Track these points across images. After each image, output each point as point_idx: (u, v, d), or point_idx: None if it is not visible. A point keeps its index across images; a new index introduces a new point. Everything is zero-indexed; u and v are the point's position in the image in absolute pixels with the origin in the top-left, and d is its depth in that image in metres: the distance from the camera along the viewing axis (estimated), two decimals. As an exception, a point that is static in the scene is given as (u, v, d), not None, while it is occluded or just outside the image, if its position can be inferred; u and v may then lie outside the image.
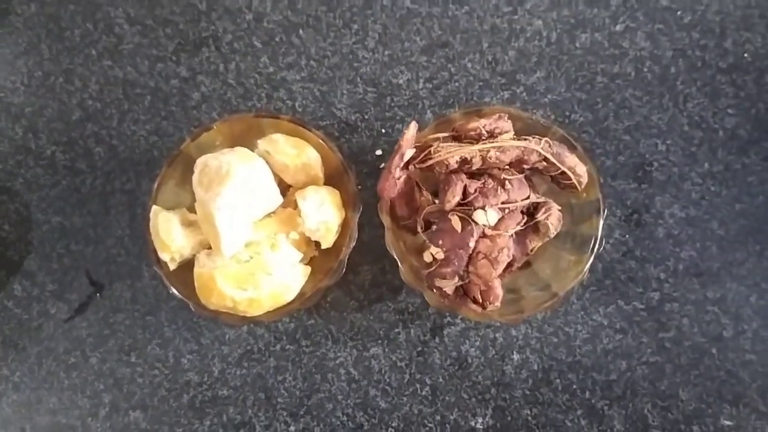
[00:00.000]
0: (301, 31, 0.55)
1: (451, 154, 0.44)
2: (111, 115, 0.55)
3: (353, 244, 0.47)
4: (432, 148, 0.45)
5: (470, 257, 0.45)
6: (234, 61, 0.56)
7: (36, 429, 0.50)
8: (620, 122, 0.53)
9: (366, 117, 0.54)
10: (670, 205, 0.52)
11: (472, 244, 0.45)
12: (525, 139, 0.45)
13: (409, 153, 0.44)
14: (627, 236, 0.52)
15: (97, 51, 0.56)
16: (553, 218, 0.47)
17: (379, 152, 0.54)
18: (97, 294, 0.52)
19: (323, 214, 0.46)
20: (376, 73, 0.55)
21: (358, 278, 0.52)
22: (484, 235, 0.45)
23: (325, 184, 0.49)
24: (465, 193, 0.45)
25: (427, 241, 0.45)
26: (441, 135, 0.46)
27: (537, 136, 0.46)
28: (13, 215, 0.53)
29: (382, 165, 0.53)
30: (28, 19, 0.57)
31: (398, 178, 0.45)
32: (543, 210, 0.47)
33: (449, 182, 0.45)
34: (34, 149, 0.54)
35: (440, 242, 0.44)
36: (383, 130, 0.54)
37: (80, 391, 0.51)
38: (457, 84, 0.55)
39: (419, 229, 0.47)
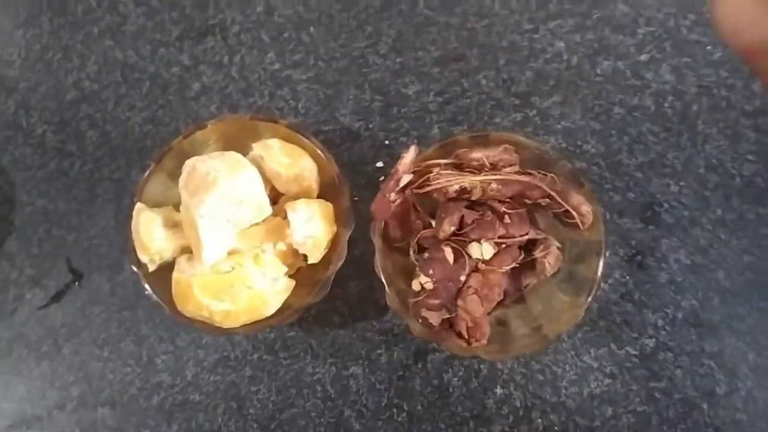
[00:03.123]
0: (312, 29, 0.53)
1: (450, 182, 0.42)
2: (107, 98, 0.53)
3: (341, 261, 0.45)
4: (431, 175, 0.43)
5: (460, 291, 0.43)
6: (239, 54, 0.54)
7: (2, 415, 0.49)
8: (633, 157, 0.51)
9: (370, 126, 0.52)
10: (676, 250, 0.50)
11: (463, 278, 0.43)
12: (530, 174, 0.43)
13: (406, 178, 0.42)
14: (627, 277, 0.50)
15: (99, 29, 0.54)
16: (551, 257, 0.45)
17: (380, 164, 0.52)
18: (76, 283, 0.50)
19: (313, 228, 0.44)
20: (385, 80, 0.53)
21: (344, 293, 0.50)
22: (477, 270, 0.43)
23: (319, 195, 0.47)
24: (462, 223, 0.43)
25: (418, 269, 0.43)
26: (442, 162, 0.44)
27: (542, 172, 0.43)
28: (-3, 193, 0.52)
29: (382, 178, 0.51)
30: (31, -11, 0.55)
31: (393, 201, 0.43)
32: (541, 247, 0.45)
33: (446, 210, 0.43)
34: (24, 126, 0.53)
35: (431, 272, 0.43)
36: (387, 142, 0.52)
37: (50, 381, 0.49)
38: (468, 100, 0.52)
39: (411, 253, 0.45)
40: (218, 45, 0.54)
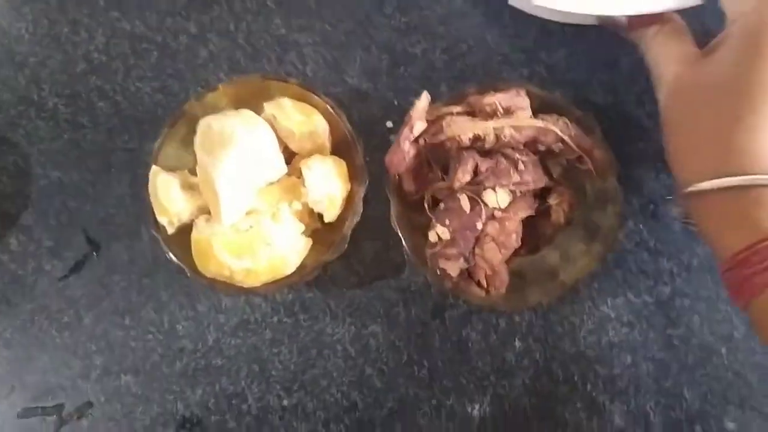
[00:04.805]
0: (319, -5, 0.53)
1: (463, 130, 0.42)
2: (116, 69, 0.53)
3: (357, 218, 0.45)
4: (444, 123, 0.43)
5: (477, 239, 0.43)
6: (245, 21, 0.54)
7: (25, 387, 0.49)
8: (642, 107, 0.51)
9: (378, 87, 0.52)
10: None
11: (480, 226, 0.43)
12: (542, 119, 0.43)
13: (419, 126, 0.42)
14: (641, 227, 0.50)
15: (105, 1, 0.54)
16: (565, 204, 0.45)
17: (389, 124, 0.52)
18: (94, 253, 0.51)
19: (328, 185, 0.45)
20: (391, 40, 0.53)
21: (360, 253, 0.50)
22: (493, 218, 0.44)
23: (332, 154, 0.47)
24: (476, 171, 0.43)
25: (434, 220, 0.44)
26: (454, 109, 0.44)
27: (555, 116, 0.44)
28: (12, 167, 0.52)
29: (392, 137, 0.51)
30: (36, -35, 0.55)
31: (407, 152, 0.43)
32: (556, 195, 0.46)
33: (460, 159, 0.43)
34: (36, 100, 0.53)
35: (447, 222, 0.43)
36: (395, 102, 0.52)
37: (72, 351, 0.50)
38: (474, 57, 0.52)
39: (426, 207, 0.45)
40: (224, 12, 0.54)
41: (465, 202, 0.43)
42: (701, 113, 0.38)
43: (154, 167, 0.45)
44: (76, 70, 0.53)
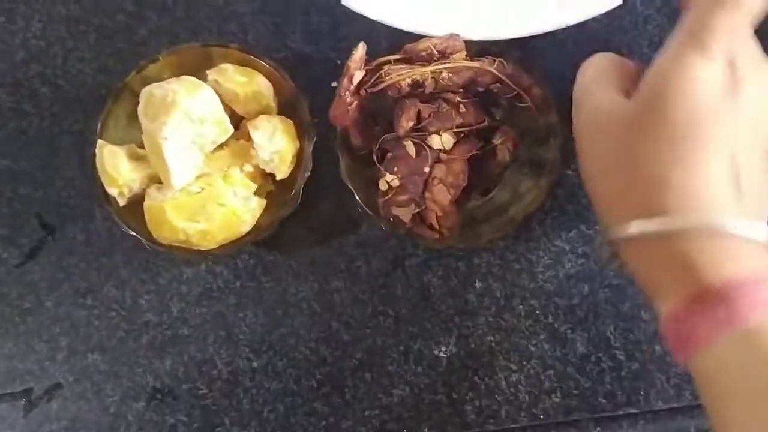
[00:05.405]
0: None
1: (402, 76, 0.43)
2: (55, 53, 0.53)
3: (308, 174, 0.46)
4: (383, 71, 0.44)
5: (426, 183, 0.44)
6: (182, -5, 0.54)
7: (-7, 375, 0.49)
8: (580, 47, 0.52)
9: (320, 48, 0.53)
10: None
11: (427, 170, 0.44)
12: (478, 60, 0.44)
13: (358, 75, 0.43)
14: (588, 161, 0.51)
15: (39, -12, 0.54)
16: (510, 143, 0.47)
17: (333, 84, 0.52)
18: (49, 237, 0.50)
19: (276, 144, 0.45)
20: (330, 2, 0.53)
21: (316, 212, 0.51)
22: (439, 161, 0.45)
23: (278, 113, 0.48)
24: (419, 117, 0.45)
25: (383, 169, 0.45)
26: (392, 57, 0.45)
27: (490, 57, 0.45)
28: (-42, 160, 0.52)
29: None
30: (-36, -44, 0.55)
31: (350, 104, 0.44)
32: (500, 134, 0.47)
33: (402, 107, 0.44)
34: (-23, 92, 0.52)
35: (395, 169, 0.44)
36: (338, 61, 0.52)
37: (36, 335, 0.49)
38: (413, 12, 0.53)
39: (375, 159, 0.46)
40: (160, -12, 0.54)
41: (411, 148, 0.44)
42: (629, 149, 0.35)
43: (99, 141, 0.45)
44: (16, 58, 0.53)
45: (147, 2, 0.54)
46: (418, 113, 0.44)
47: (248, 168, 0.46)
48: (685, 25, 0.35)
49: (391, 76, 0.43)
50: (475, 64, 0.43)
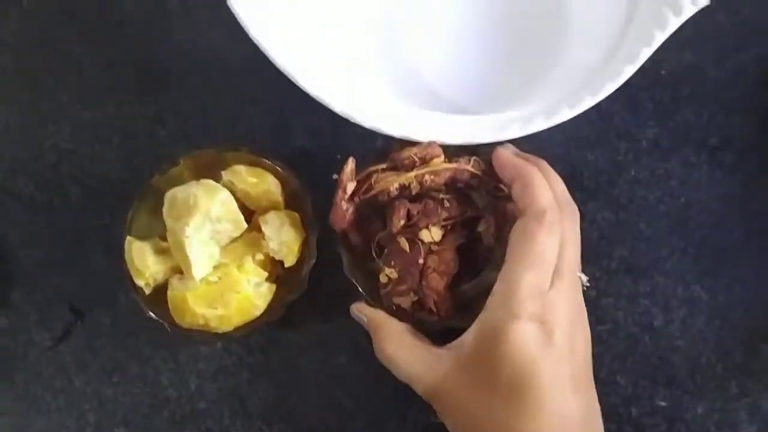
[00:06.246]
0: (258, 68, 0.60)
1: (390, 182, 0.49)
2: (83, 155, 0.59)
3: (313, 261, 0.52)
4: (373, 180, 0.50)
5: (421, 273, 0.49)
6: (196, 99, 0.60)
7: (26, 451, 0.53)
8: (553, 135, 0.58)
9: (321, 144, 0.59)
10: (601, 209, 0.58)
11: (421, 261, 0.49)
12: (455, 161, 0.50)
13: (350, 186, 0.49)
14: (564, 240, 0.57)
15: (68, 96, 0.61)
16: (492, 228, 0.51)
17: (334, 176, 0.58)
18: (79, 321, 0.56)
19: (284, 235, 0.51)
20: (328, 103, 0.60)
21: (321, 293, 0.56)
22: (431, 252, 0.49)
23: (285, 207, 0.54)
24: (409, 216, 0.50)
25: (381, 264, 0.50)
26: (379, 167, 0.50)
27: (466, 157, 0.50)
28: (-4, 252, 0.57)
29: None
30: (3, 70, 0.62)
31: (346, 210, 0.50)
32: (483, 222, 0.52)
33: (393, 208, 0.49)
34: (14, 191, 0.59)
35: (392, 263, 0.49)
36: (338, 156, 0.59)
37: (66, 412, 0.54)
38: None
39: (374, 255, 0.51)
40: (176, 94, 0.60)
41: (404, 244, 0.49)
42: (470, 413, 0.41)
43: (128, 237, 0.50)
44: (48, 160, 0.59)
45: (165, 107, 0.60)
46: (408, 212, 0.49)
47: (260, 256, 0.52)
48: (497, 292, 0.42)
49: (380, 183, 0.49)
50: (453, 165, 0.49)
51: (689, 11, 0.49)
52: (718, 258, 0.57)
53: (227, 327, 0.49)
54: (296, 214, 0.53)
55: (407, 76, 0.60)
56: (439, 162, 0.49)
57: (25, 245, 0.57)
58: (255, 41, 0.49)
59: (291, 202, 0.54)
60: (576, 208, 0.47)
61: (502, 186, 0.50)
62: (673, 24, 0.49)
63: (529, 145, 0.56)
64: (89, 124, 0.60)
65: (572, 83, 0.53)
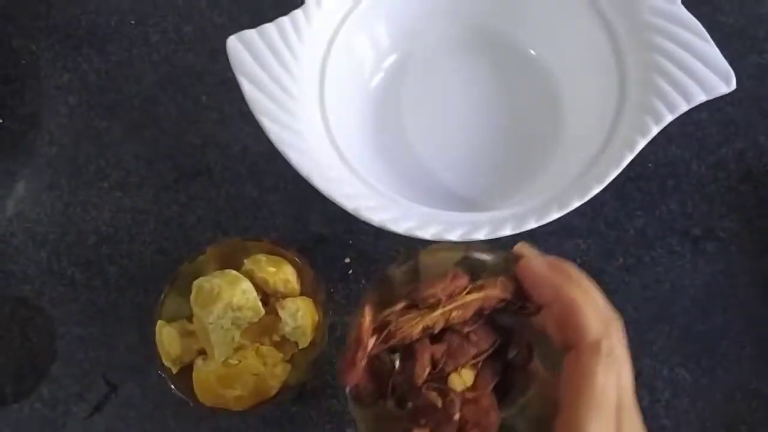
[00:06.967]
0: (279, 161, 0.66)
1: (413, 327, 0.40)
2: (121, 238, 0.66)
3: (324, 344, 0.57)
4: (392, 327, 0.41)
5: (459, 429, 0.40)
6: (224, 188, 0.67)
7: None
8: (544, 227, 0.63)
9: (335, 231, 0.65)
10: (592, 295, 0.62)
11: (457, 417, 0.40)
12: (483, 287, 0.41)
13: (371, 342, 0.40)
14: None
15: (109, 184, 0.68)
16: (524, 351, 0.44)
17: (347, 260, 0.64)
18: (113, 393, 0.61)
19: (299, 320, 0.56)
20: (342, 193, 0.66)
21: (332, 370, 0.61)
22: (466, 400, 0.41)
23: (301, 293, 0.59)
24: (433, 360, 0.41)
25: (409, 422, 0.40)
26: (397, 308, 0.41)
27: (492, 279, 0.42)
28: (40, 328, 0.63)
29: (350, 271, 0.63)
30: (51, 160, 0.69)
31: (360, 365, 0.40)
32: (513, 347, 0.44)
33: (415, 354, 0.41)
34: (56, 271, 0.65)
35: (422, 422, 0.40)
36: (350, 241, 0.64)
37: (100, 477, 0.60)
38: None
39: (391, 405, 0.42)
40: (206, 183, 0.67)
41: (434, 397, 0.40)
42: None
43: (159, 321, 0.56)
44: (88, 242, 0.66)
45: (196, 194, 0.67)
46: (432, 356, 0.41)
47: (276, 338, 0.57)
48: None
49: (402, 329, 0.40)
50: (481, 294, 0.41)
51: (667, 119, 0.54)
52: (701, 342, 0.61)
53: (245, 406, 0.54)
54: (311, 300, 0.58)
55: (414, 172, 0.65)
56: (466, 294, 0.41)
57: (65, 322, 0.63)
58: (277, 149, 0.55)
59: (305, 288, 0.59)
60: (617, 317, 0.41)
61: (529, 303, 0.42)
62: (654, 130, 0.54)
63: (523, 233, 0.62)
64: (128, 210, 0.67)
65: (562, 183, 0.58)
